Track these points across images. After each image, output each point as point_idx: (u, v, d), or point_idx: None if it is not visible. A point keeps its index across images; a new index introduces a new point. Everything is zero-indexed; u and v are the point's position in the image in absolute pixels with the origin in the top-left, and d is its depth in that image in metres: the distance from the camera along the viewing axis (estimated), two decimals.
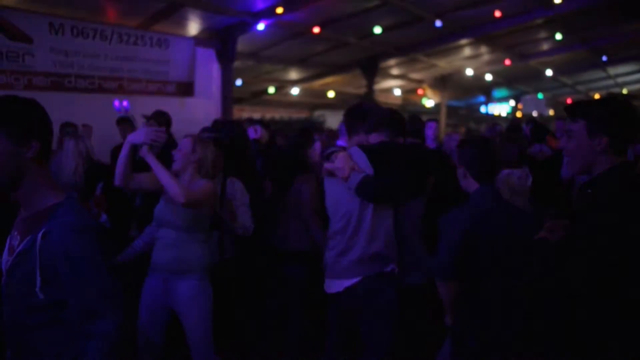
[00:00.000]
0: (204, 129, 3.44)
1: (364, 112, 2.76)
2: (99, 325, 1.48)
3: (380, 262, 2.51)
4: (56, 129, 3.20)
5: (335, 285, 2.58)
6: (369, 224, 2.49)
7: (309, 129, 3.97)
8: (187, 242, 2.59)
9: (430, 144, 5.43)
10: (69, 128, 4.90)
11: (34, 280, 1.45)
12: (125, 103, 6.05)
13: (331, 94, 14.94)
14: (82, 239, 1.48)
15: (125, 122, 5.37)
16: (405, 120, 2.89)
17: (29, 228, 1.50)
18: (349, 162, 2.49)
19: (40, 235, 1.45)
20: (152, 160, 2.46)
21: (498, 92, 19.33)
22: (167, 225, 2.61)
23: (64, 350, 1.53)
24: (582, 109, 1.72)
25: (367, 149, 2.58)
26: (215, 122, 4.49)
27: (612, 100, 1.70)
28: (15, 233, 1.55)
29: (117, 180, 2.53)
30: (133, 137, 2.49)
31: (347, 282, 2.52)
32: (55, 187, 1.59)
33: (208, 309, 2.62)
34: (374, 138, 2.66)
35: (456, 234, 2.17)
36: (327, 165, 2.59)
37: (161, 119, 4.37)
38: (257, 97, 14.22)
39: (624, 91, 18.99)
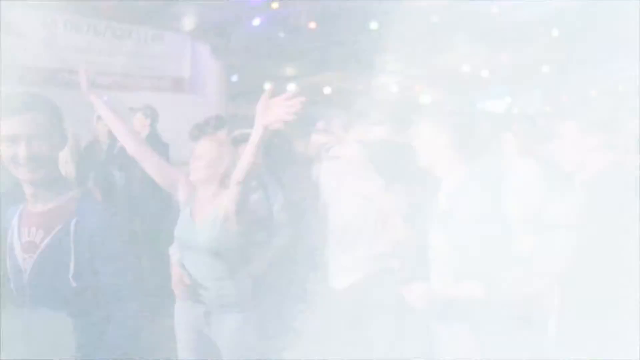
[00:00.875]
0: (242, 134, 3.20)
1: (365, 105, 2.72)
2: (121, 308, 1.53)
3: (386, 258, 2.47)
4: None
5: (340, 281, 2.56)
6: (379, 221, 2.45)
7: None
8: (229, 271, 2.21)
9: None
10: None
11: (68, 268, 1.48)
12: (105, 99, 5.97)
13: (327, 90, 14.88)
14: (114, 225, 1.56)
15: (102, 120, 5.30)
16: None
17: (52, 220, 1.53)
18: (356, 159, 2.42)
19: (73, 224, 1.49)
20: None
21: (494, 89, 19.34)
22: (199, 251, 2.19)
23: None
24: (571, 106, 1.71)
25: (373, 146, 2.49)
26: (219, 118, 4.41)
27: (602, 96, 1.69)
28: (33, 229, 1.55)
29: (130, 148, 2.41)
30: None
31: (352, 278, 2.49)
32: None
33: (253, 341, 2.32)
34: (377, 132, 2.59)
35: None
36: (332, 165, 2.54)
37: (147, 111, 4.37)
38: (253, 93, 14.16)
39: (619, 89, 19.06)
